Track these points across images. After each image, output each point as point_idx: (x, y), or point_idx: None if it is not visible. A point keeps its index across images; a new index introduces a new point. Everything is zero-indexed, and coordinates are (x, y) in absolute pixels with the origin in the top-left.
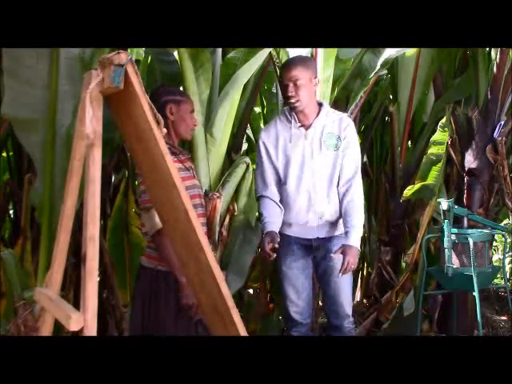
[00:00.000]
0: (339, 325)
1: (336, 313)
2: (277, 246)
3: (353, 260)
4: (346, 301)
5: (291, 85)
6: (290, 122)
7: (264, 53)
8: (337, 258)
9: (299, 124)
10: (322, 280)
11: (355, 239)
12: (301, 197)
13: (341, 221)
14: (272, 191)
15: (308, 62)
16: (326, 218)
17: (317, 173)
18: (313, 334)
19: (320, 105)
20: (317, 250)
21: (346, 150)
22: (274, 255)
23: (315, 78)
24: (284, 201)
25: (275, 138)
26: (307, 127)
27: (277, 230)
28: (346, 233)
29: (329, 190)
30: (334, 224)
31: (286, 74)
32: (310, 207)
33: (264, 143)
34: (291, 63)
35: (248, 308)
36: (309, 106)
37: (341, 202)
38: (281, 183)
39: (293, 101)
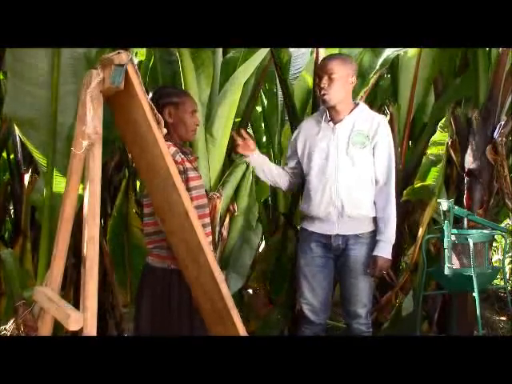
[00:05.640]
0: (349, 323)
1: (347, 312)
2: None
3: (384, 268)
4: (359, 302)
5: (325, 77)
6: (322, 118)
7: (264, 50)
8: (353, 258)
9: (329, 119)
10: (339, 278)
11: (387, 251)
12: (322, 189)
13: (363, 220)
14: (286, 167)
15: (347, 60)
16: (348, 214)
17: (341, 168)
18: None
19: (357, 104)
20: (336, 249)
21: (376, 151)
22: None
23: (352, 76)
24: (307, 193)
25: (305, 130)
26: (336, 122)
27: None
28: (378, 241)
29: (353, 187)
30: (355, 222)
31: (322, 66)
32: (331, 201)
33: (296, 135)
34: (329, 57)
35: (248, 308)
36: (341, 103)
37: (376, 210)
38: (304, 175)
39: (323, 92)
